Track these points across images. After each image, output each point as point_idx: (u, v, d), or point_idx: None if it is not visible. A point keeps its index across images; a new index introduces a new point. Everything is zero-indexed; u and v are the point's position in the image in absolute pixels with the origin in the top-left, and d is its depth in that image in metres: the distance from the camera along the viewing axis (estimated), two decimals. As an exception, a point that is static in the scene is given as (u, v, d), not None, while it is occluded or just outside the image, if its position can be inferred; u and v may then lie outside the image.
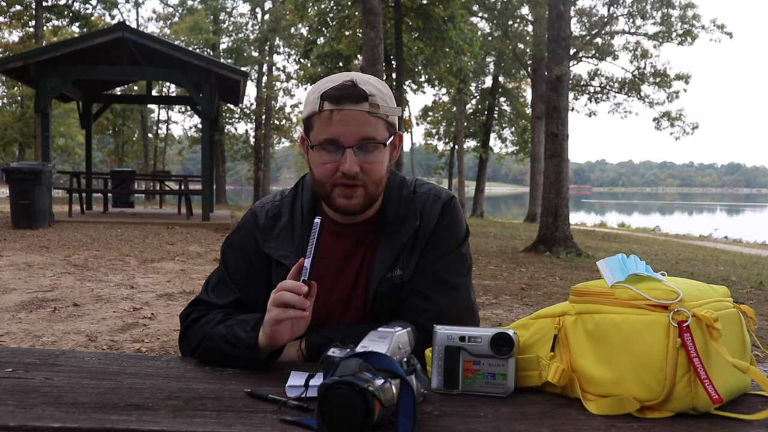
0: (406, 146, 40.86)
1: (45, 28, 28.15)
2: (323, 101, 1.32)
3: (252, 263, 1.45)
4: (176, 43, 23.90)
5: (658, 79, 22.81)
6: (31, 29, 28.19)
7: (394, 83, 18.38)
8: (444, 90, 27.70)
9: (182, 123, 61.77)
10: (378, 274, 1.40)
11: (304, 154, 1.44)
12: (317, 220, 1.21)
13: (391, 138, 1.39)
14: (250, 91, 40.08)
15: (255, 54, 34.70)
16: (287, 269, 1.37)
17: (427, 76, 22.43)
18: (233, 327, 1.32)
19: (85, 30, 26.58)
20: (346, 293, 1.44)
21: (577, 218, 28.82)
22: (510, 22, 24.78)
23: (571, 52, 15.87)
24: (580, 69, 46.02)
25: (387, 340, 1.04)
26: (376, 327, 1.30)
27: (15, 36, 32.46)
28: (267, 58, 34.86)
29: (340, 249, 1.44)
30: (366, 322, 1.41)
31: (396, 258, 1.41)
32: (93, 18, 29.55)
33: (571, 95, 21.88)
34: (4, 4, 27.92)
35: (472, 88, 27.25)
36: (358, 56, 17.54)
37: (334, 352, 1.04)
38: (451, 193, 1.50)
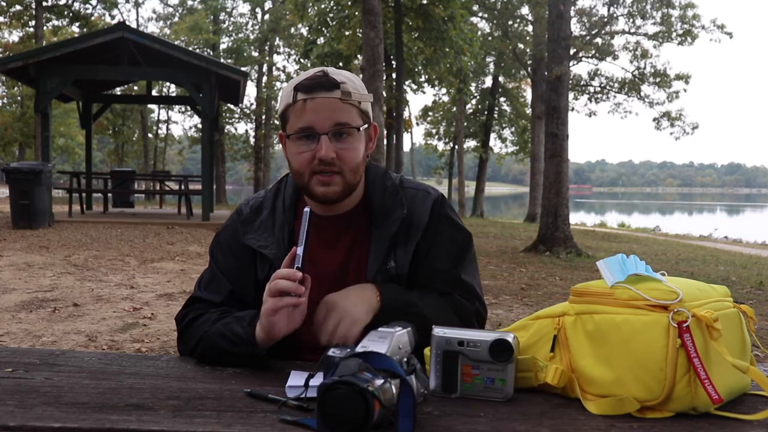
0: (406, 146, 40.89)
1: (45, 28, 28.15)
2: (296, 92, 1.36)
3: (239, 258, 1.47)
4: (176, 43, 23.90)
5: (658, 79, 22.78)
6: (31, 29, 28.20)
7: (394, 83, 18.39)
8: (444, 90, 27.75)
9: (182, 123, 61.79)
10: (373, 266, 1.40)
11: (283, 151, 1.46)
12: (306, 209, 1.23)
13: (366, 126, 1.41)
14: (250, 91, 40.12)
15: (255, 54, 34.72)
16: (270, 261, 1.40)
17: (427, 76, 22.45)
18: (230, 324, 1.32)
19: (85, 30, 26.58)
20: (331, 285, 1.43)
21: (577, 218, 28.81)
22: (510, 22, 24.76)
23: (571, 52, 15.84)
24: (580, 69, 46.07)
25: (387, 340, 1.04)
26: (433, 294, 1.41)
27: (15, 36, 32.51)
28: (267, 58, 34.89)
29: (320, 241, 1.44)
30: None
31: (389, 249, 1.41)
32: (93, 18, 29.55)
33: (571, 95, 21.86)
34: (4, 4, 27.93)
35: (472, 88, 27.26)
36: (358, 56, 17.54)
37: (334, 352, 1.04)
38: (439, 191, 1.53)
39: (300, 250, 1.21)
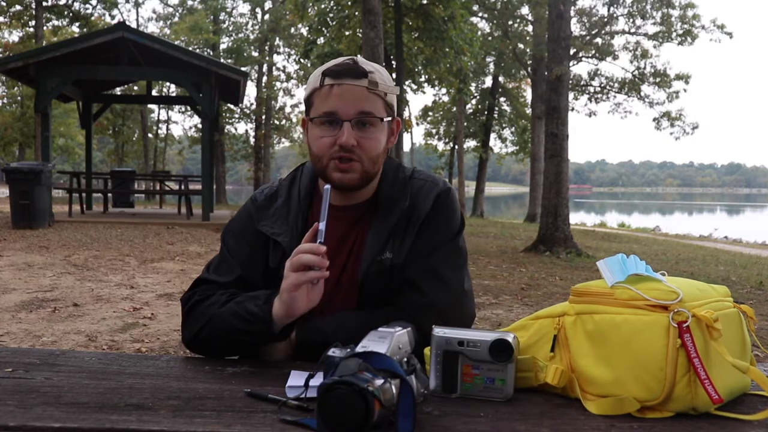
0: (406, 146, 40.90)
1: (45, 28, 28.14)
2: (324, 77, 1.36)
3: (251, 244, 1.46)
4: (176, 43, 23.90)
5: (658, 79, 22.79)
6: (31, 29, 28.19)
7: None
8: (444, 90, 27.70)
9: (182, 123, 61.95)
10: (368, 257, 1.39)
11: (304, 137, 1.45)
12: (327, 186, 1.24)
13: (390, 119, 1.41)
14: (250, 91, 40.12)
15: (255, 54, 34.71)
16: (283, 250, 1.39)
17: (427, 76, 22.41)
18: (244, 303, 1.31)
19: (85, 30, 26.58)
20: (337, 276, 1.43)
21: (577, 218, 28.81)
22: (510, 22, 24.77)
23: (571, 52, 15.85)
24: (580, 69, 46.00)
25: (387, 340, 1.04)
26: (361, 313, 1.35)
27: (15, 36, 32.51)
28: (267, 58, 34.88)
29: (333, 232, 1.43)
30: (353, 307, 1.40)
31: (386, 240, 1.40)
32: (93, 18, 29.54)
33: (571, 95, 21.86)
34: (4, 4, 27.92)
35: (472, 88, 27.20)
36: (358, 56, 17.51)
37: (334, 352, 1.04)
38: (449, 184, 1.49)
39: (322, 225, 1.21)
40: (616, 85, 23.73)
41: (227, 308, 1.32)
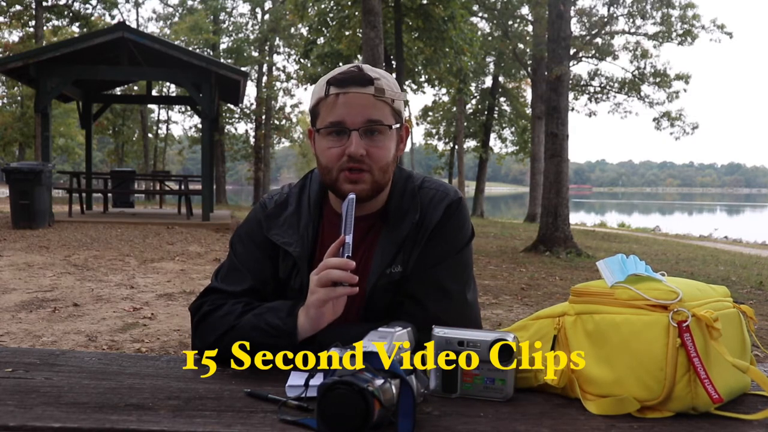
0: (406, 146, 40.88)
1: (45, 28, 28.16)
2: (329, 86, 1.33)
3: (262, 250, 1.43)
4: (176, 43, 23.90)
5: (658, 79, 22.81)
6: (31, 29, 28.21)
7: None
8: (444, 90, 27.71)
9: (182, 123, 61.99)
10: (376, 270, 1.37)
11: (311, 147, 1.43)
12: (351, 196, 1.22)
13: (398, 126, 1.38)
14: (250, 91, 40.01)
15: (255, 54, 34.71)
16: (293, 259, 1.38)
17: (427, 76, 22.42)
18: (264, 315, 1.29)
19: (85, 30, 26.58)
20: None
21: (577, 218, 28.81)
22: (510, 22, 24.77)
23: (571, 52, 15.86)
24: (580, 69, 45.92)
25: (387, 340, 1.04)
26: (363, 325, 1.30)
27: (15, 36, 32.51)
28: (267, 58, 34.88)
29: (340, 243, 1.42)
30: (357, 322, 1.38)
31: (396, 253, 1.37)
32: (93, 18, 29.55)
33: (571, 95, 21.88)
34: (4, 4, 27.93)
35: (472, 88, 27.20)
36: (358, 56, 17.53)
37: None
38: (461, 194, 1.45)
39: (348, 238, 1.19)
40: (616, 85, 23.76)
41: (246, 321, 1.29)
